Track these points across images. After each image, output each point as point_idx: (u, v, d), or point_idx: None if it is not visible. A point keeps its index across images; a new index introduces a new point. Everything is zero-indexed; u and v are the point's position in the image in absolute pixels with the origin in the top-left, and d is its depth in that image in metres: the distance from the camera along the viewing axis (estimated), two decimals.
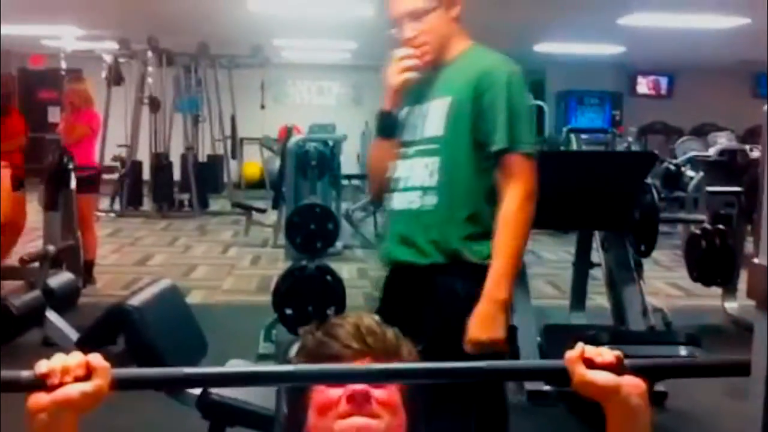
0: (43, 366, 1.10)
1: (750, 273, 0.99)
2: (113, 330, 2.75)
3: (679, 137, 12.06)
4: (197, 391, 2.74)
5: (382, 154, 2.52)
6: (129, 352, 2.63)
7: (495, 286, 2.23)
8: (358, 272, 7.71)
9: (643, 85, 15.37)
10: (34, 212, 7.12)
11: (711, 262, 5.72)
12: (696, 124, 13.76)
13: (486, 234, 2.32)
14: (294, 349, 1.61)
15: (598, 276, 5.33)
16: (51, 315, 4.43)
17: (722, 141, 9.27)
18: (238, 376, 1.45)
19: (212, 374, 1.41)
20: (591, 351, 1.23)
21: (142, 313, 2.61)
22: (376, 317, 1.51)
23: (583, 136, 8.75)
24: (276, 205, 8.99)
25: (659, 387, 4.13)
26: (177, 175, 12.24)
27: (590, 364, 1.22)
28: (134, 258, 8.23)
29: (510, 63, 2.39)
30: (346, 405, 1.37)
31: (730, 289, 6.10)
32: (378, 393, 1.39)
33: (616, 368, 1.22)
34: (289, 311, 4.79)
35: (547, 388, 4.15)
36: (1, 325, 4.64)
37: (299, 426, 1.45)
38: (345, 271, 6.83)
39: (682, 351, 3.83)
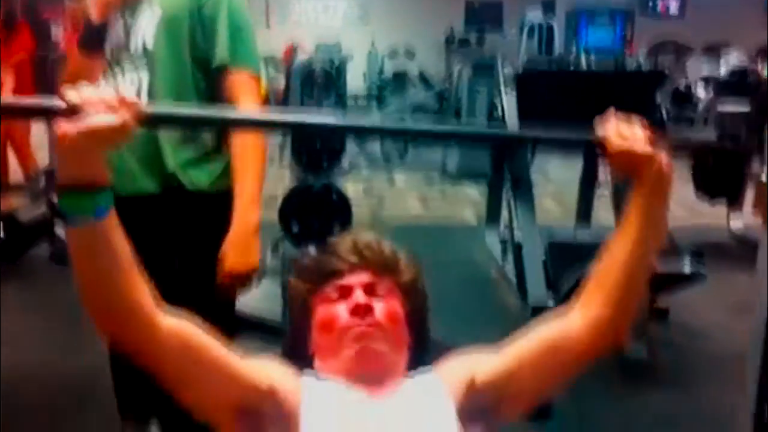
0: (73, 95, 1.09)
1: (757, 190, 1.00)
2: None
3: (691, 56, 11.90)
4: None
5: (86, 71, 2.14)
6: None
7: (244, 211, 2.10)
8: (364, 190, 7.73)
9: (655, 3, 15.10)
10: (39, 130, 7.11)
11: (718, 179, 5.71)
12: (708, 43, 13.55)
13: (205, 156, 2.19)
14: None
15: (606, 194, 5.34)
16: (60, 230, 4.46)
17: (733, 60, 9.16)
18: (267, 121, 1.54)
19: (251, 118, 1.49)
20: (624, 127, 1.30)
21: None
22: (375, 235, 1.53)
23: (594, 55, 8.61)
24: None
25: (661, 303, 4.18)
26: None
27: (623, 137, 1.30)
28: None
29: None
30: (349, 318, 1.39)
31: (735, 207, 6.11)
32: (380, 306, 1.41)
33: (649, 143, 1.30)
34: (295, 229, 4.82)
35: None
36: (10, 237, 4.67)
37: (304, 347, 1.47)
38: (351, 189, 6.83)
39: (686, 266, 3.85)
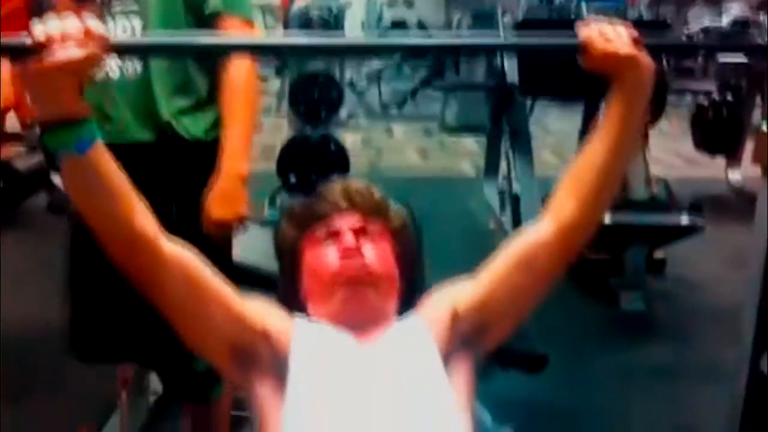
0: (39, 32, 1.09)
1: (757, 141, 0.99)
2: None
3: (692, 6, 11.76)
4: None
5: None
6: None
7: (232, 160, 2.07)
8: (362, 141, 7.70)
9: None
10: None
11: (717, 131, 5.68)
12: None
13: (199, 106, 2.15)
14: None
15: None
16: (56, 180, 4.44)
17: (735, 10, 9.04)
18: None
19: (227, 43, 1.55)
20: (607, 29, 1.28)
21: None
22: (365, 182, 1.55)
23: (595, 4, 8.52)
24: (279, 73, 8.86)
25: (658, 254, 4.19)
26: None
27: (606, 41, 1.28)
28: None
29: None
30: (340, 261, 1.41)
31: (734, 160, 6.09)
32: (370, 248, 1.43)
33: (633, 45, 1.28)
34: (293, 180, 4.81)
35: None
36: (7, 186, 4.65)
37: (296, 293, 1.48)
38: (349, 140, 6.81)
39: (684, 219, 3.85)
